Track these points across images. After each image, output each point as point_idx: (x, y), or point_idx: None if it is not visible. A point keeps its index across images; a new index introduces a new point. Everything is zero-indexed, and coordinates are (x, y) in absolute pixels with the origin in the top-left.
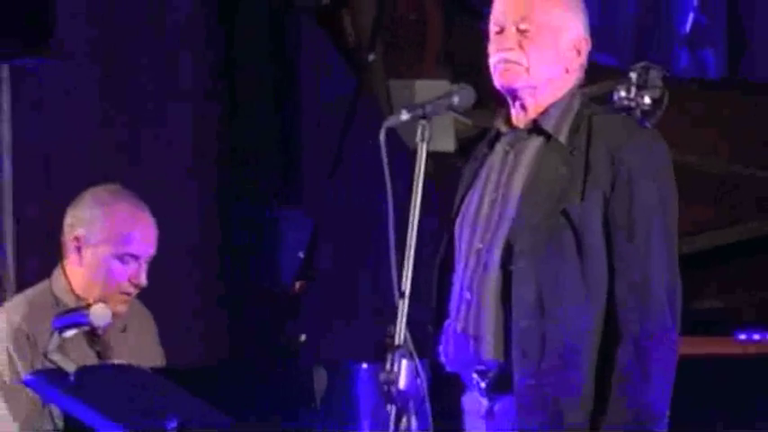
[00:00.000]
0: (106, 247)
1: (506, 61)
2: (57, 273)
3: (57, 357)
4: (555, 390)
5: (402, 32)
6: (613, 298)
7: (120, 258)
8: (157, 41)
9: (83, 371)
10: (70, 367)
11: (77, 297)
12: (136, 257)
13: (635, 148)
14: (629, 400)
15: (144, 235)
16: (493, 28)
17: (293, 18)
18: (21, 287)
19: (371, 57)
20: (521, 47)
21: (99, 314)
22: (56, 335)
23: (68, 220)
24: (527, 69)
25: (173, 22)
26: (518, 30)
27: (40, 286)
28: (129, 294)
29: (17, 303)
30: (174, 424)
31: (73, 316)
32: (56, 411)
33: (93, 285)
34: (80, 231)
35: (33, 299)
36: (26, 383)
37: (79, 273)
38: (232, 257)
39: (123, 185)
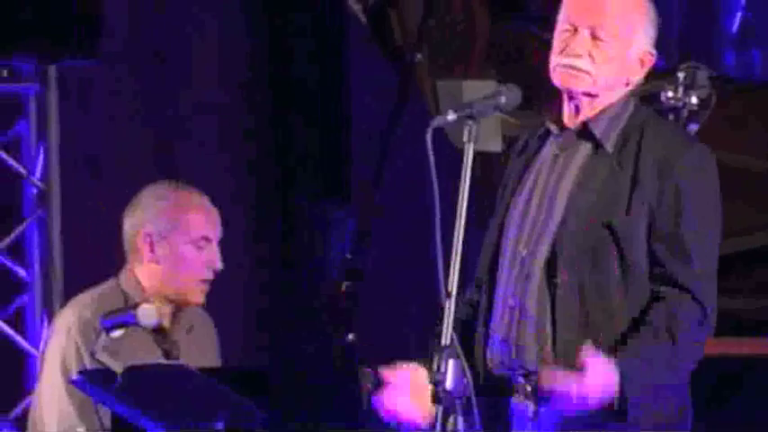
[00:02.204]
0: (179, 236)
1: (573, 68)
2: (124, 272)
3: (104, 357)
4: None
5: (449, 32)
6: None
7: (195, 243)
8: (205, 38)
9: (130, 371)
10: (118, 367)
11: (147, 294)
12: (208, 240)
13: (686, 163)
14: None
15: (209, 217)
16: (563, 25)
17: (340, 18)
18: (68, 287)
19: (418, 57)
20: (590, 55)
21: (146, 314)
22: (103, 335)
23: (131, 222)
24: (594, 80)
25: (219, 23)
26: (592, 35)
27: (109, 284)
28: (206, 282)
29: (87, 299)
30: (221, 425)
31: (120, 316)
32: (103, 410)
33: (173, 278)
34: (149, 228)
35: (103, 296)
36: (73, 383)
37: (156, 269)
38: (281, 258)
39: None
